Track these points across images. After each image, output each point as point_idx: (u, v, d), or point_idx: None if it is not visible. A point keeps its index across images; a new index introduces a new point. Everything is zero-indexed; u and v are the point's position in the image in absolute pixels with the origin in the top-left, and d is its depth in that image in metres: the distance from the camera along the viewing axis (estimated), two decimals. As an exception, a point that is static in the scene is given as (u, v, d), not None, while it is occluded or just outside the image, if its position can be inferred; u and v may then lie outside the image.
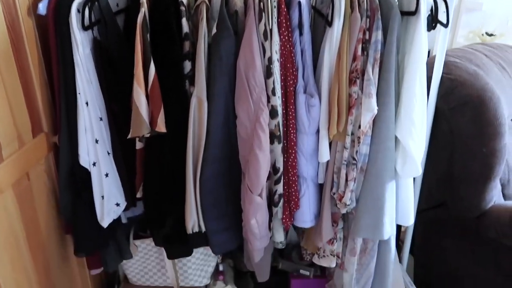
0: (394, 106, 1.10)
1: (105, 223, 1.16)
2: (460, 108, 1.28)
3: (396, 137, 1.12)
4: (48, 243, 1.13)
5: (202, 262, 1.51)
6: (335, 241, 1.30)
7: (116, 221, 1.24)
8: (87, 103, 1.07)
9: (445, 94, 1.30)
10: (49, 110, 1.11)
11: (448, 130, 1.33)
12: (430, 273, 1.63)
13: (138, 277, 1.54)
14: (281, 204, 1.20)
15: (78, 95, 1.06)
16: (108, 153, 1.15)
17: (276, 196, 1.18)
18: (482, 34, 2.25)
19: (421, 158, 1.16)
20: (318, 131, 1.15)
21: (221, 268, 1.63)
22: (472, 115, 1.26)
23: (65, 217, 1.16)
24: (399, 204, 1.22)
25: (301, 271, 1.61)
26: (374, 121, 1.10)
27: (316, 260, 1.36)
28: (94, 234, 1.18)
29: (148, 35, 1.07)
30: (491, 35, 2.25)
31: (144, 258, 1.48)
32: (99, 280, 1.56)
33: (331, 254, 1.32)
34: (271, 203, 1.20)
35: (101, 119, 1.12)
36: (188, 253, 1.26)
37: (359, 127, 1.10)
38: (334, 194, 1.20)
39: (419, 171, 1.13)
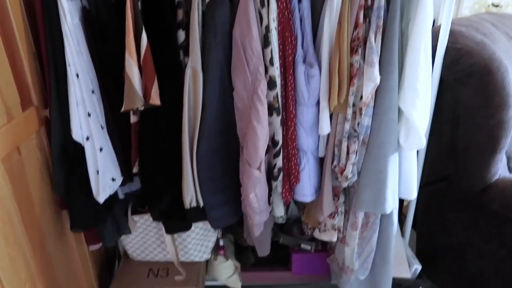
0: (397, 76, 1.05)
1: (101, 199, 1.14)
2: (466, 78, 1.23)
3: (399, 108, 1.08)
4: (43, 219, 1.11)
5: (202, 237, 1.50)
6: (336, 215, 1.28)
7: (113, 197, 1.22)
8: (77, 75, 1.03)
9: (451, 63, 1.25)
10: (38, 83, 1.07)
11: (452, 101, 1.29)
12: (433, 247, 1.62)
13: (138, 253, 1.54)
14: (280, 178, 1.18)
15: (68, 67, 1.01)
16: (102, 127, 1.12)
17: (276, 170, 1.15)
18: (488, 5, 2.18)
19: (425, 130, 1.12)
20: (318, 103, 1.11)
21: (221, 243, 1.63)
22: (479, 85, 1.22)
23: (59, 193, 1.14)
24: (402, 177, 1.19)
25: (302, 246, 1.60)
26: (376, 91, 1.06)
27: (317, 234, 1.35)
28: (90, 209, 1.16)
29: (140, 3, 1.02)
30: (497, 6, 2.17)
31: (143, 234, 1.47)
32: (99, 256, 1.56)
33: (332, 229, 1.30)
34: (270, 177, 1.17)
35: (93, 91, 1.08)
36: (187, 227, 1.25)
37: (361, 98, 1.06)
38: (335, 167, 1.17)
39: (423, 143, 1.09)
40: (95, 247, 1.36)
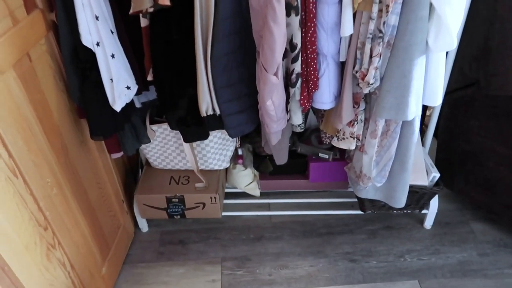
0: (431, -34, 0.94)
1: (117, 107, 1.13)
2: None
3: (431, 4, 0.98)
4: (63, 127, 1.12)
5: (220, 147, 1.52)
6: (355, 123, 1.24)
7: (130, 105, 1.22)
8: (79, -27, 0.96)
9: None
10: (40, -17, 1.00)
11: (492, -4, 1.16)
12: (453, 155, 1.60)
13: (159, 161, 1.57)
14: (298, 84, 1.13)
15: (68, -36, 0.94)
16: (112, 32, 1.07)
17: (294, 76, 1.10)
18: None
19: (458, 29, 1.02)
20: (340, 0, 1.01)
21: (240, 152, 1.65)
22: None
23: (75, 100, 1.13)
24: (428, 82, 1.12)
25: (320, 155, 1.61)
26: (406, -16, 0.95)
27: (335, 142, 1.33)
28: (108, 117, 1.16)
29: None
30: None
31: (163, 143, 1.49)
32: (122, 164, 1.61)
33: (351, 137, 1.28)
34: (288, 84, 1.13)
35: (98, -8, 1.01)
36: (205, 136, 1.24)
37: (389, -8, 0.96)
38: (356, 72, 1.11)
39: (454, 43, 1.01)
40: (117, 155, 1.39)
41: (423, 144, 1.57)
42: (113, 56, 1.07)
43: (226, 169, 1.68)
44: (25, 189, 0.94)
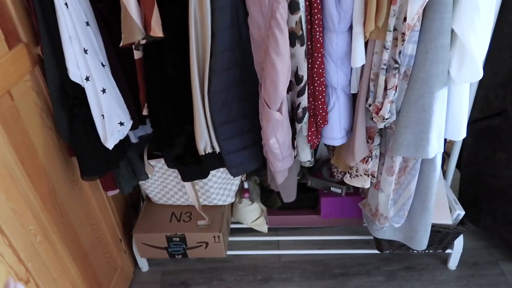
0: (452, -11, 0.84)
1: (110, 145, 1.04)
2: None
3: (452, 31, 0.88)
4: (50, 168, 1.04)
5: (224, 181, 1.41)
6: (369, 159, 1.13)
7: (125, 141, 1.13)
8: (66, 5, 0.89)
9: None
10: (25, 16, 0.93)
11: (519, 20, 1.05)
12: (478, 189, 1.46)
13: (160, 196, 1.48)
14: (306, 119, 1.03)
15: (53, -6, 0.87)
16: (103, 65, 0.99)
17: (300, 110, 1.00)
18: None
19: (483, 58, 0.91)
20: (350, 28, 0.92)
21: (246, 185, 1.54)
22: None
23: (65, 140, 1.05)
24: (450, 115, 1.00)
25: (332, 189, 1.49)
26: (424, 10, 0.85)
27: (347, 180, 1.22)
28: (100, 156, 1.07)
29: None
30: None
31: (163, 178, 1.40)
32: (122, 199, 1.52)
33: (365, 174, 1.16)
34: (294, 118, 1.03)
35: (87, 23, 0.94)
36: (204, 175, 1.14)
37: (405, 19, 0.86)
38: (369, 106, 1.00)
39: (479, 74, 0.90)
40: (114, 192, 1.30)
41: (444, 176, 1.44)
42: (104, 91, 0.99)
43: (232, 204, 1.58)
44: (2, 240, 0.85)
